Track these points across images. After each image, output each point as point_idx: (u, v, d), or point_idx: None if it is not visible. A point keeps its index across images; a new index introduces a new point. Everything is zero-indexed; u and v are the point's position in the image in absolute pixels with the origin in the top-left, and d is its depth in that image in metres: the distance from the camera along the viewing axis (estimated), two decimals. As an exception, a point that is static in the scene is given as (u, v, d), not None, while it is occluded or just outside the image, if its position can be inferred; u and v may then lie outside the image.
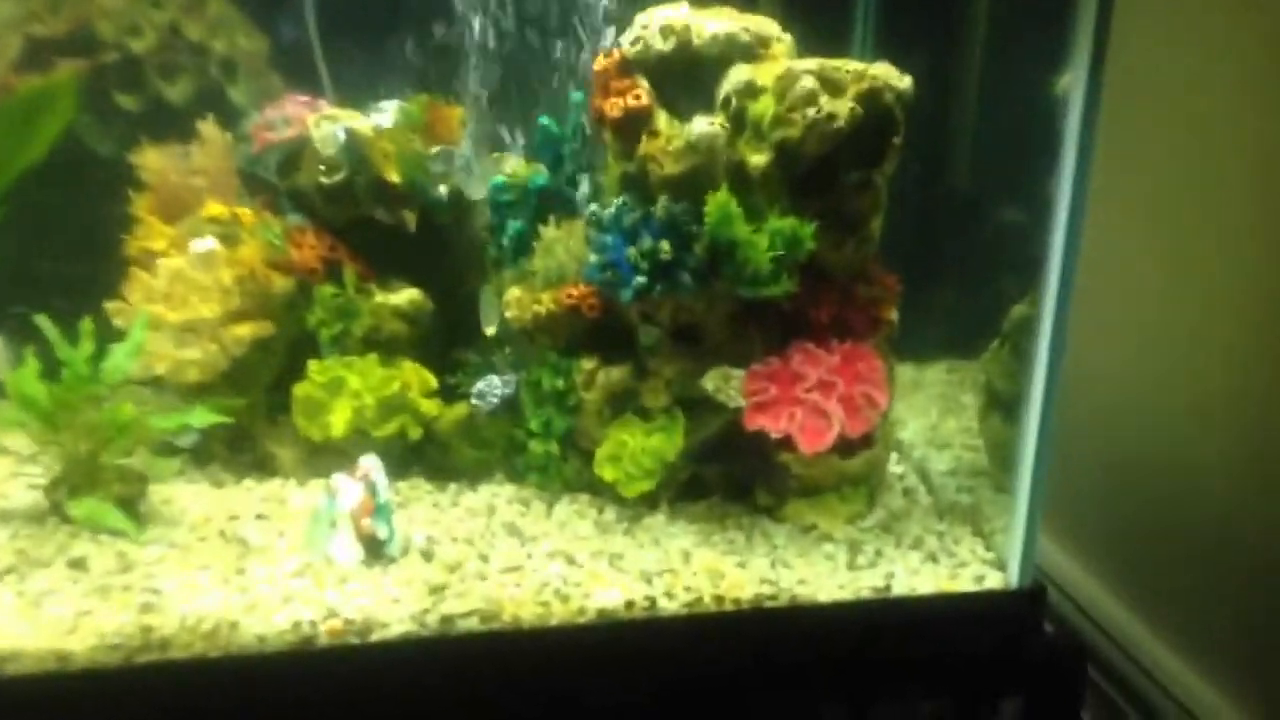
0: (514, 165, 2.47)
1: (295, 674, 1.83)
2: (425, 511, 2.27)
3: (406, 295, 2.43)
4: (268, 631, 1.82)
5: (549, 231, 2.30)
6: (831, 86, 2.04)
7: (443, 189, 2.44)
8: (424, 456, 2.42)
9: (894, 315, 2.27)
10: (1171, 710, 2.19)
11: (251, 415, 2.39)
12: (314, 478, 2.35)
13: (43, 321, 2.13)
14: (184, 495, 2.29)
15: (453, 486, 2.39)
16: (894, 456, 2.53)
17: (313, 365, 2.33)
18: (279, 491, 2.34)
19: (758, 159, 2.09)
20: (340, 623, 1.85)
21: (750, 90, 2.09)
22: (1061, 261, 1.84)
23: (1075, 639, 2.36)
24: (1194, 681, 2.19)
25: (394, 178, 2.38)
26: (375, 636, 1.85)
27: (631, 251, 2.10)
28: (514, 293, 2.33)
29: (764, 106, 2.07)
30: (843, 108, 2.02)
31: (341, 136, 2.33)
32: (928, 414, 2.93)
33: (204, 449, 2.42)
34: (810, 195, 2.10)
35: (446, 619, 1.88)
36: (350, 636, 1.85)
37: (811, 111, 2.02)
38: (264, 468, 2.42)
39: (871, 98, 2.04)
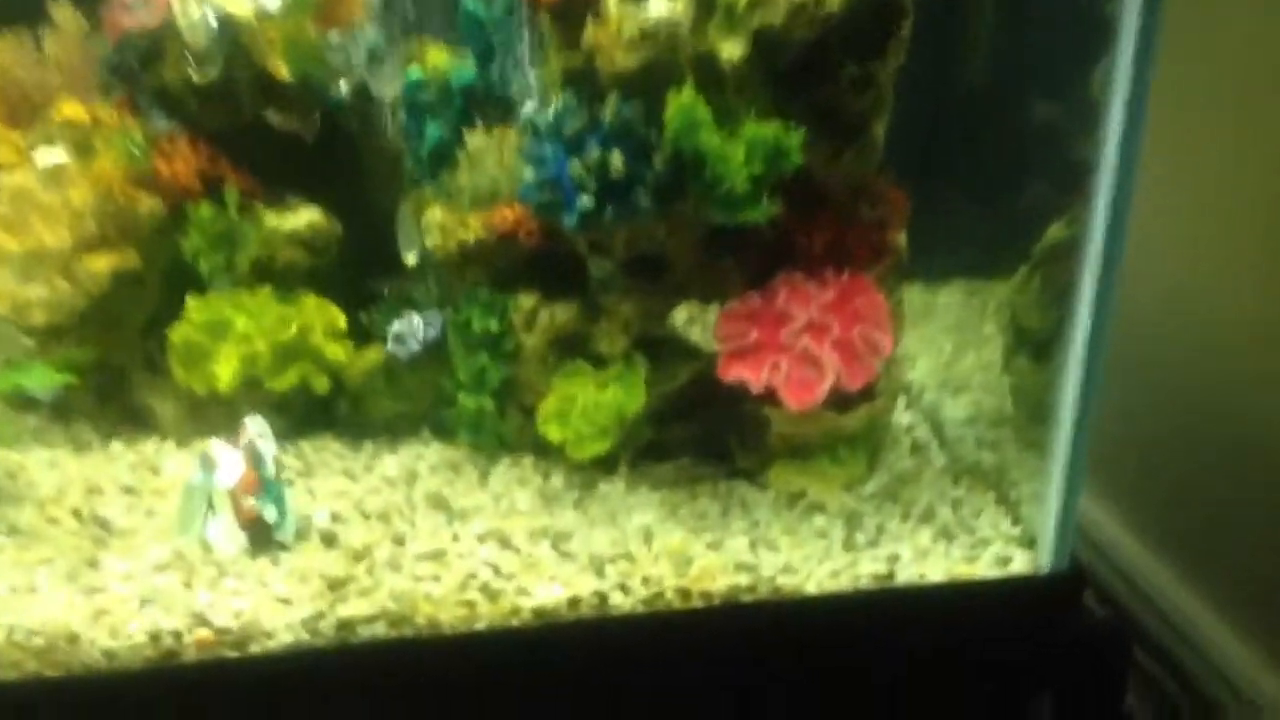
0: (434, 57, 2.34)
1: (152, 698, 1.72)
2: (332, 480, 2.17)
3: (305, 217, 2.30)
4: (118, 645, 1.70)
5: (476, 139, 2.18)
6: (823, -44, 1.93)
7: (344, 86, 2.34)
8: (333, 411, 2.32)
9: (902, 240, 2.16)
10: (1229, 696, 2.13)
11: (125, 361, 2.28)
12: (199, 438, 2.24)
13: None
14: (36, 463, 2.18)
15: (369, 447, 2.29)
16: (901, 401, 2.45)
17: (191, 303, 2.20)
18: (153, 457, 2.23)
19: (731, 50, 1.93)
20: (211, 632, 1.73)
21: (721, -39, 1.96)
22: (1116, 173, 1.68)
23: (1119, 633, 2.27)
24: (1256, 664, 2.12)
25: (282, 73, 2.23)
26: (255, 648, 1.74)
27: (575, 165, 1.96)
28: (436, 214, 2.20)
29: (738, -18, 1.95)
30: (836, -16, 1.91)
31: (212, 22, 2.15)
32: (941, 348, 2.82)
33: (68, 401, 2.30)
34: (797, 95, 1.98)
35: (345, 624, 1.77)
36: (224, 649, 1.73)
37: (797, -11, 1.91)
38: (140, 424, 2.32)
39: (873, -28, 1.92)
